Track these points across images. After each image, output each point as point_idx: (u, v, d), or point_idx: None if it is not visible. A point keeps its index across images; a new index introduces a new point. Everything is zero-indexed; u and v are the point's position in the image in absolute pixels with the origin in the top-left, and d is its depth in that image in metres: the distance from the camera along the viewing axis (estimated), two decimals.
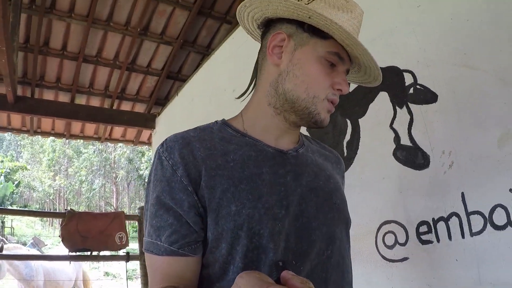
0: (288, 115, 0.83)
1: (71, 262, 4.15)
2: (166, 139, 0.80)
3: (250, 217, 0.72)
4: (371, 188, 1.58)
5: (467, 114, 1.28)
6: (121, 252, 4.10)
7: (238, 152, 0.80)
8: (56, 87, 4.15)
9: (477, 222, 1.19)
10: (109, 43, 3.90)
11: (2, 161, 24.63)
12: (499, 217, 1.14)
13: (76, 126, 4.87)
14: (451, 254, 1.26)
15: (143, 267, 3.87)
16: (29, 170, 25.10)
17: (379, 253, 1.51)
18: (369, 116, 1.67)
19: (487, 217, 1.16)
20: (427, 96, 1.42)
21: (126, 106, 4.62)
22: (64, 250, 3.77)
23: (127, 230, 3.86)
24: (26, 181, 24.79)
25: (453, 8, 1.35)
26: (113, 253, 5.12)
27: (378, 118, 1.62)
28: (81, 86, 4.23)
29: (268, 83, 0.85)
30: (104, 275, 11.13)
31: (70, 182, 24.19)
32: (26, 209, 18.72)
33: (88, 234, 3.53)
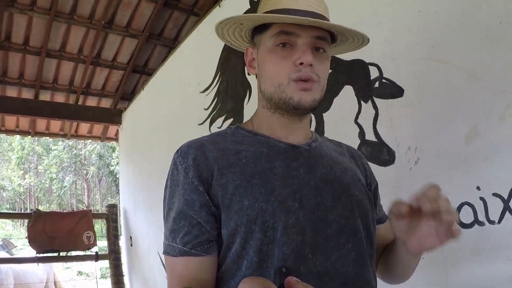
0: (278, 111, 0.86)
1: (41, 263, 4.05)
2: (181, 146, 0.84)
3: (263, 210, 0.73)
4: None
5: (434, 109, 1.25)
6: (91, 252, 4.03)
7: (250, 149, 0.83)
8: (19, 83, 4.02)
9: None
10: (73, 37, 3.79)
11: None
12: (466, 215, 1.12)
13: (41, 123, 4.74)
14: None
15: (113, 266, 3.80)
16: None
17: None
18: (333, 111, 1.64)
19: None
20: (393, 90, 1.38)
21: (91, 102, 4.52)
22: (33, 252, 3.70)
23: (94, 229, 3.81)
24: None
25: (422, 0, 1.31)
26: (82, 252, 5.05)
27: (342, 113, 1.58)
28: (44, 81, 4.12)
29: (259, 90, 0.91)
30: (77, 274, 10.90)
31: (40, 180, 23.45)
32: None
33: (56, 234, 3.48)
